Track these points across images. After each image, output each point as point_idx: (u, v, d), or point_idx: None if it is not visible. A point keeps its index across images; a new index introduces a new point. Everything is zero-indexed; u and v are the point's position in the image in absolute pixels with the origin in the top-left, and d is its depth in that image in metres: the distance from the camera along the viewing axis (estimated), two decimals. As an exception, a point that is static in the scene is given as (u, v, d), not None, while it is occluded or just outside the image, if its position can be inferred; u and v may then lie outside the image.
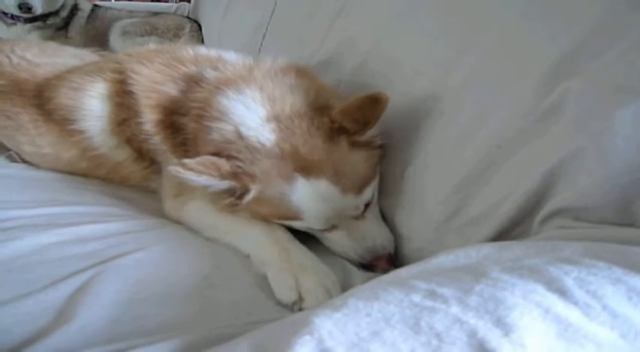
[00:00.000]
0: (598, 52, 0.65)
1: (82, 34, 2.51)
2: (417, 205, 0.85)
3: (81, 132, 1.08)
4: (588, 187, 0.60)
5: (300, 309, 0.71)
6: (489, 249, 0.53)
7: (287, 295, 0.73)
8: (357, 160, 0.85)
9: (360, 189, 0.84)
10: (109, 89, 1.06)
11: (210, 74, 0.97)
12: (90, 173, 1.14)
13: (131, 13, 2.59)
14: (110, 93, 1.05)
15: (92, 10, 2.60)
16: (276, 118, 0.85)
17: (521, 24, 0.77)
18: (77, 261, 0.76)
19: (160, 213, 1.00)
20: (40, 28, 2.45)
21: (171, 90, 0.98)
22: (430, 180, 0.83)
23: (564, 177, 0.62)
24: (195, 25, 2.50)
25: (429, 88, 0.88)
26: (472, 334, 0.37)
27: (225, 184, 0.81)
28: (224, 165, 0.81)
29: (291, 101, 0.88)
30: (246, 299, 0.72)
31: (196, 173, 0.78)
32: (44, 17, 2.44)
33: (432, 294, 0.42)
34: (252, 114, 0.87)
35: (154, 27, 2.44)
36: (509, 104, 0.74)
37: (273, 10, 1.72)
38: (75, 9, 2.56)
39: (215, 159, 0.81)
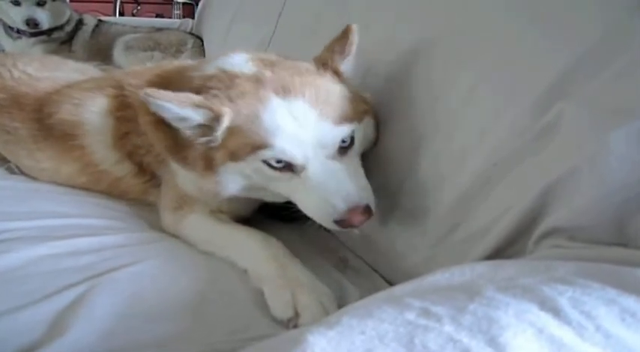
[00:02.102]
0: (592, 73, 0.66)
1: (85, 48, 2.54)
2: (415, 221, 0.84)
3: (82, 147, 1.09)
4: (583, 206, 0.60)
5: (296, 326, 0.71)
6: (484, 267, 0.53)
7: (283, 311, 0.72)
8: (339, 93, 0.84)
9: (339, 120, 0.79)
10: (109, 104, 1.06)
11: (187, 66, 1.02)
12: (89, 187, 1.14)
13: (135, 29, 2.62)
14: (111, 108, 1.06)
15: (96, 25, 2.63)
16: (259, 60, 0.88)
17: (518, 44, 0.78)
18: (72, 273, 0.76)
19: (158, 227, 1.00)
20: (44, 41, 2.49)
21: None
22: (428, 197, 0.83)
23: (559, 196, 0.63)
24: (198, 41, 2.53)
25: (427, 106, 0.89)
26: (465, 353, 0.37)
27: (197, 114, 0.78)
28: (195, 97, 0.79)
29: (277, 55, 0.93)
30: (242, 315, 0.71)
31: (166, 100, 0.77)
32: (49, 31, 2.48)
33: (426, 312, 0.42)
34: (234, 58, 0.90)
35: (156, 42, 2.47)
36: (505, 123, 0.74)
37: (276, 27, 1.74)
38: (80, 24, 2.59)
39: (185, 93, 0.80)
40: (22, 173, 1.22)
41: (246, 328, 0.68)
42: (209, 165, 0.85)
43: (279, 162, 0.78)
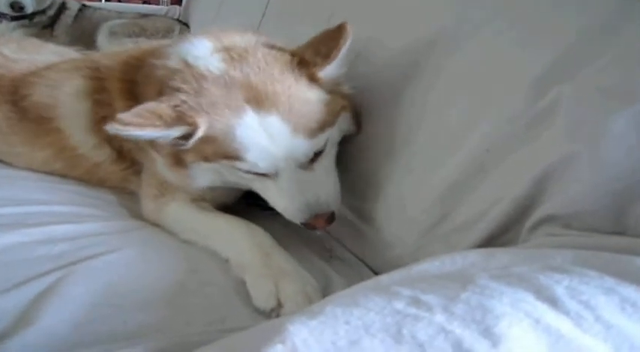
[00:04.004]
0: (590, 57, 0.64)
1: (68, 33, 2.47)
2: (401, 211, 0.82)
3: (58, 131, 1.05)
4: (579, 194, 0.58)
5: (278, 316, 0.68)
6: (476, 255, 0.50)
7: (265, 301, 0.70)
8: (316, 100, 0.80)
9: (313, 133, 0.78)
10: (86, 86, 1.02)
11: (159, 47, 0.96)
12: (65, 173, 1.09)
13: (120, 14, 2.55)
14: (89, 90, 1.02)
15: (80, 10, 2.56)
16: (226, 49, 0.81)
17: (512, 28, 0.76)
18: (45, 262, 0.72)
19: (138, 215, 0.97)
20: (25, 26, 2.41)
21: (135, 75, 0.95)
22: (415, 185, 0.81)
23: (554, 184, 0.61)
24: (185, 27, 2.47)
25: (417, 93, 0.86)
26: (457, 344, 0.34)
27: (173, 132, 0.75)
28: (165, 109, 0.74)
29: (243, 38, 0.85)
30: (222, 306, 0.68)
31: (137, 127, 0.72)
32: (31, 15, 2.40)
33: (415, 301, 0.39)
34: (198, 47, 0.83)
35: (142, 28, 2.41)
36: (499, 109, 0.72)
37: (264, 15, 1.71)
38: (62, 8, 2.52)
39: (153, 105, 0.74)
40: (-3, 159, 1.17)
41: (225, 319, 0.65)
42: (179, 161, 0.84)
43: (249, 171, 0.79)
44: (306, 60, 0.80)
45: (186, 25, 2.50)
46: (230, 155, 0.77)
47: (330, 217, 0.80)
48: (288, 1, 1.61)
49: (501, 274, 0.43)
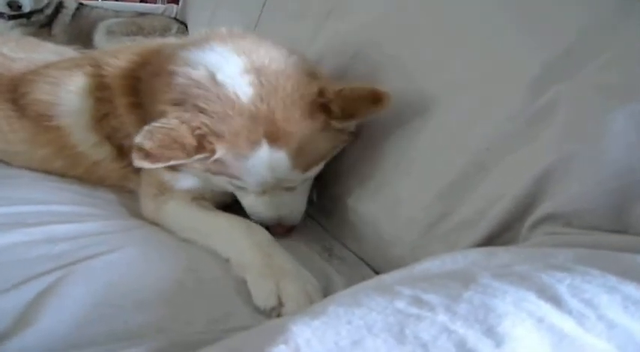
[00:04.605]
0: (589, 55, 0.64)
1: (65, 32, 2.47)
2: (400, 210, 0.82)
3: (58, 129, 1.04)
4: (579, 192, 0.58)
5: (279, 316, 0.68)
6: (477, 254, 0.50)
7: (266, 300, 0.69)
8: (323, 142, 0.83)
9: (309, 167, 0.83)
10: (88, 83, 1.02)
11: (168, 46, 0.95)
12: (65, 172, 1.09)
13: (117, 13, 2.55)
14: (90, 87, 1.01)
15: (77, 9, 2.55)
16: (256, 71, 0.80)
17: (511, 26, 0.76)
18: (44, 261, 0.71)
19: (138, 214, 0.96)
20: (23, 24, 2.40)
21: (138, 72, 0.95)
22: (414, 184, 0.81)
23: (555, 182, 0.60)
24: (182, 26, 2.47)
25: (417, 91, 0.86)
26: (461, 344, 0.34)
27: (192, 159, 0.76)
28: (187, 137, 0.74)
29: (271, 56, 0.84)
30: (222, 305, 0.68)
31: (165, 161, 0.73)
32: (28, 14, 2.39)
33: (417, 301, 0.39)
34: (229, 63, 0.81)
35: (139, 27, 2.41)
36: (498, 107, 0.72)
37: (261, 12, 1.70)
38: (60, 7, 2.51)
39: (174, 133, 0.73)
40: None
41: (226, 318, 0.65)
42: (174, 166, 0.83)
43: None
44: (329, 108, 0.80)
45: (183, 23, 2.49)
46: (231, 174, 0.81)
47: (289, 228, 0.89)
48: (285, 0, 1.60)
49: (503, 273, 0.43)
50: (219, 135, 0.76)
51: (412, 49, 0.91)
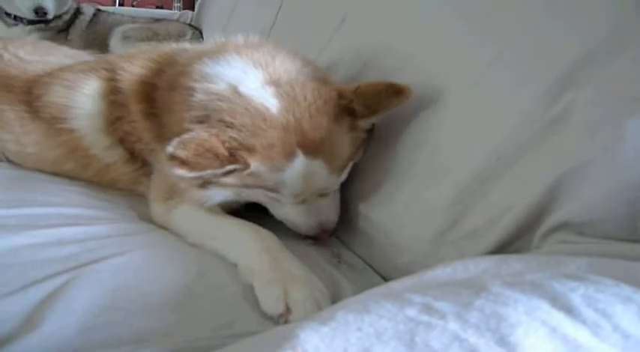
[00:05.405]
0: (607, 61, 0.63)
1: (82, 37, 2.50)
2: (411, 217, 0.81)
3: (71, 131, 1.05)
4: (593, 201, 0.57)
5: (286, 322, 0.67)
6: (488, 262, 0.49)
7: (274, 306, 0.68)
8: (350, 143, 0.84)
9: (342, 170, 0.84)
10: (103, 87, 1.02)
11: (184, 52, 0.95)
12: (76, 174, 1.09)
13: (133, 19, 2.58)
14: (104, 91, 1.02)
15: (94, 15, 2.60)
16: (274, 83, 0.80)
17: (527, 33, 0.75)
18: (52, 264, 0.71)
19: (146, 218, 0.96)
20: (41, 29, 2.45)
21: (153, 79, 0.95)
22: (425, 192, 0.80)
23: (569, 190, 0.59)
24: (197, 32, 2.50)
25: (429, 99, 0.85)
26: (472, 353, 0.33)
27: (224, 170, 0.74)
28: (219, 148, 0.73)
29: (285, 67, 0.84)
30: (229, 311, 0.67)
31: (201, 170, 0.72)
32: (47, 19, 2.43)
33: (428, 309, 0.38)
34: (249, 76, 0.80)
35: (155, 33, 2.43)
36: (512, 114, 0.71)
37: (275, 19, 1.71)
38: (77, 12, 2.56)
39: (207, 143, 0.72)
40: (8, 160, 1.18)
41: (232, 324, 0.64)
42: (204, 184, 0.82)
43: None
44: (352, 108, 0.81)
45: (197, 29, 2.52)
46: (267, 186, 0.80)
47: (331, 232, 0.89)
48: (299, 6, 1.61)
49: (515, 281, 0.42)
50: (250, 149, 0.75)
51: (426, 53, 0.91)
